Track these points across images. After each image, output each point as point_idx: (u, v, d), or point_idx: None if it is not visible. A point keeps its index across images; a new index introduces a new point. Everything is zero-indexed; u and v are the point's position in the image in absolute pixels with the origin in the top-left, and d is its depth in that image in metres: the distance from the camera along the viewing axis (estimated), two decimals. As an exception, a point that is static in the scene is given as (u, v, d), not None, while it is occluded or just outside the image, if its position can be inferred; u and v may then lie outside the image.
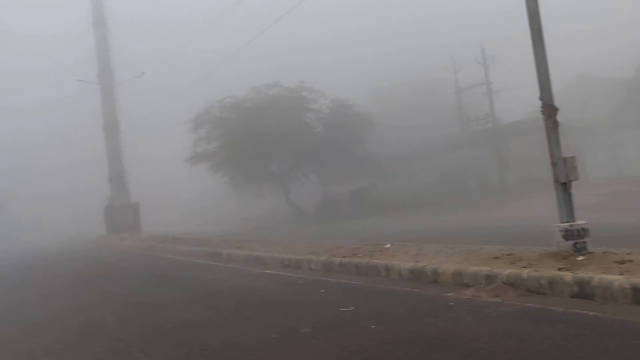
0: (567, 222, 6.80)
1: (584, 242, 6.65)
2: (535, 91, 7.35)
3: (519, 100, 33.47)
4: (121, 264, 17.19)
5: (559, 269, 5.99)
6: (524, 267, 6.39)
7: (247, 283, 9.45)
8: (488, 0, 47.94)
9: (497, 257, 7.14)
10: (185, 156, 39.03)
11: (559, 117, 7.18)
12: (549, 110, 7.13)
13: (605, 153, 37.02)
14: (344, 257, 9.57)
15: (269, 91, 37.02)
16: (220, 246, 15.81)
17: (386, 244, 10.36)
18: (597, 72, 43.41)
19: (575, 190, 7.19)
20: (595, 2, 50.00)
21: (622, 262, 5.86)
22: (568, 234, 6.64)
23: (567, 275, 5.69)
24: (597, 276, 5.43)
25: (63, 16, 65.37)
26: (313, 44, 56.88)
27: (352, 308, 6.29)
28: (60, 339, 6.73)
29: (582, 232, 6.66)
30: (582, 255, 6.47)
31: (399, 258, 8.47)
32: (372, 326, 5.37)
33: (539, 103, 7.27)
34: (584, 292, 5.46)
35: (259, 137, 34.26)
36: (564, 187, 6.98)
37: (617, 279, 5.25)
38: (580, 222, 6.79)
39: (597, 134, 36.57)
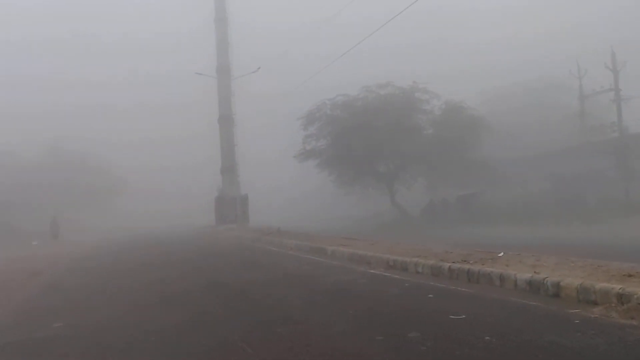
0: None
1: None
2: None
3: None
4: (225, 254, 17.60)
5: None
6: (663, 288, 5.67)
7: (351, 281, 9.24)
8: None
9: (630, 275, 6.40)
10: (295, 153, 39.70)
11: None
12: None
13: None
14: (453, 262, 9.10)
15: (381, 91, 36.74)
16: (325, 242, 15.74)
17: (499, 253, 9.76)
18: None
19: None
20: None
21: None
22: None
23: None
24: None
25: (184, 18, 68.71)
26: (418, 49, 56.16)
27: (463, 316, 5.88)
28: (169, 323, 6.88)
29: None
30: None
31: (514, 268, 7.89)
32: (487, 337, 4.96)
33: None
34: None
35: (368, 136, 34.05)
36: None
37: None
38: None
39: None
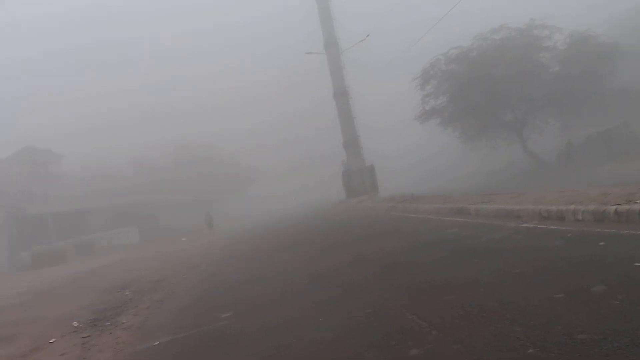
0: None
1: None
2: None
3: None
4: (364, 225, 17.59)
5: None
6: None
7: (504, 239, 8.74)
8: None
9: None
10: (415, 114, 38.92)
11: None
12: None
13: None
14: (618, 204, 8.29)
15: (496, 36, 34.81)
16: (464, 202, 15.18)
17: (670, 187, 8.77)
18: None
19: None
20: None
21: None
22: None
23: None
24: None
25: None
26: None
27: (651, 263, 5.27)
28: (328, 300, 6.88)
29: None
30: None
31: (696, 201, 7.02)
32: (689, 283, 4.38)
33: None
34: None
35: (488, 85, 32.49)
36: None
37: None
38: None
39: None
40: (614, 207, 8.19)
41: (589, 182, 17.29)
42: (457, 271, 6.86)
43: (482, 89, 32.80)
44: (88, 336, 8.05)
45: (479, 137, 38.18)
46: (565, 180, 22.07)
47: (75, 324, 9.11)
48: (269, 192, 79.62)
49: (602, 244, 6.73)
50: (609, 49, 32.61)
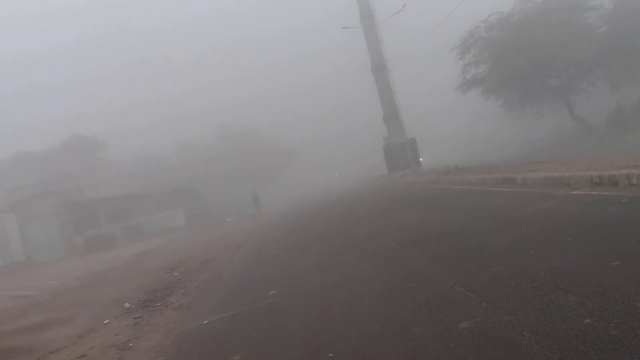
0: None
1: None
2: None
3: None
4: (413, 198, 17.41)
5: None
6: None
7: (554, 207, 8.45)
8: None
9: None
10: (456, 84, 38.11)
11: None
12: None
13: None
14: (675, 166, 7.91)
15: (537, -1, 33.57)
16: (510, 171, 14.80)
17: None
18: None
19: None
20: None
21: None
22: None
23: None
24: None
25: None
26: None
27: None
28: (375, 274, 6.81)
29: None
30: None
31: None
32: None
33: None
34: None
35: (532, 50, 31.36)
36: None
37: None
38: None
39: None
40: (671, 169, 7.82)
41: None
42: (506, 241, 6.66)
43: (525, 54, 31.69)
44: (140, 317, 8.24)
45: (523, 104, 37.09)
46: (616, 145, 21.30)
47: (127, 305, 9.34)
48: (311, 171, 79.91)
49: (659, 208, 6.43)
50: (660, 3, 31.04)
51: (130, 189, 48.05)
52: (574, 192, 9.48)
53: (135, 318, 8.18)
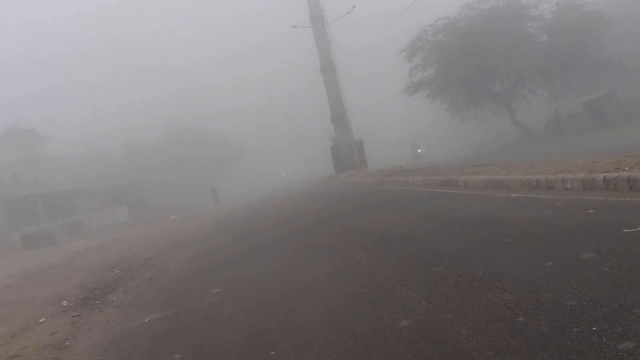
0: None
1: None
2: None
3: None
4: (353, 199, 17.56)
5: None
6: None
7: (495, 209, 8.73)
8: None
9: None
10: (403, 87, 38.68)
11: None
12: None
13: None
14: (607, 172, 8.29)
15: (483, 6, 34.47)
16: (454, 173, 15.17)
17: (656, 154, 8.77)
18: None
19: None
20: None
21: None
22: None
23: None
24: None
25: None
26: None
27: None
28: (319, 273, 6.87)
29: None
30: None
31: (684, 167, 7.02)
32: (678, 248, 4.37)
33: None
34: None
35: (477, 56, 32.26)
36: None
37: None
38: None
39: None
40: (603, 174, 8.19)
41: (577, 151, 17.30)
42: (447, 242, 6.84)
43: (470, 59, 32.55)
44: (78, 315, 8.02)
45: (467, 108, 38.01)
46: (554, 150, 22.10)
47: (65, 303, 9.08)
48: (259, 170, 79.51)
49: (591, 211, 6.73)
50: (596, 17, 32.42)
51: (72, 184, 46.59)
52: (512, 194, 9.81)
53: (73, 317, 7.96)
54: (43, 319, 8.03)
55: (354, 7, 36.86)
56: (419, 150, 39.00)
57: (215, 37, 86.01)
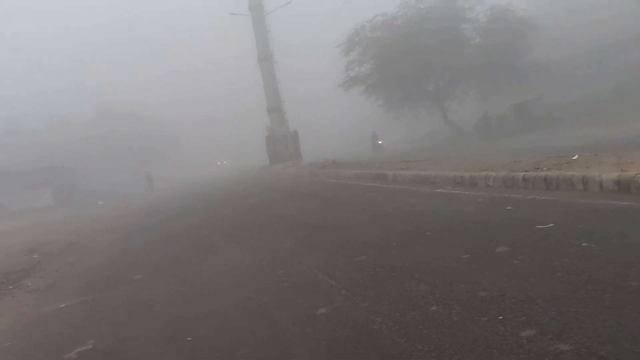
0: None
1: None
2: None
3: None
4: (290, 189, 17.58)
5: None
6: None
7: (420, 203, 8.95)
8: None
9: None
10: (339, 81, 38.88)
11: None
12: None
13: None
14: (526, 171, 8.65)
15: (421, 5, 35.19)
16: (384, 168, 15.44)
17: (573, 156, 9.20)
18: None
19: None
20: None
21: None
22: None
23: None
24: None
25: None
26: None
27: (551, 225, 5.51)
28: (243, 260, 6.83)
29: None
30: None
31: (596, 169, 7.38)
32: (584, 244, 4.59)
33: None
34: None
35: (413, 54, 32.87)
36: None
37: None
38: None
39: None
40: (522, 173, 8.54)
41: (503, 151, 17.93)
42: (372, 233, 6.94)
43: (406, 57, 33.13)
44: (-13, 300, 7.64)
45: (402, 106, 38.67)
46: (482, 149, 22.83)
47: (-26, 288, 8.61)
48: (196, 157, 78.20)
49: (509, 208, 7.00)
50: (526, 24, 33.69)
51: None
52: (438, 190, 10.09)
53: (-17, 302, 7.57)
54: (-51, 304, 7.60)
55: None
56: (380, 142, 39.09)
57: (155, 26, 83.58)
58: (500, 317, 3.35)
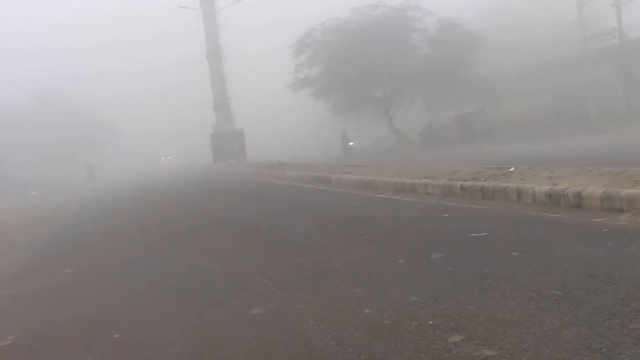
0: None
1: None
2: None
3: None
4: (228, 191, 17.39)
5: None
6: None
7: (360, 207, 9.04)
8: None
9: (654, 180, 6.17)
10: (287, 82, 38.84)
11: None
12: None
13: None
14: (464, 180, 8.87)
15: (373, 12, 35.55)
16: (328, 171, 15.52)
17: (510, 168, 9.52)
18: None
19: None
20: None
21: None
22: None
23: None
24: None
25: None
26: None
27: (485, 233, 5.67)
28: (181, 259, 6.71)
29: None
30: None
31: (530, 181, 7.66)
32: (514, 253, 4.75)
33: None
34: None
35: (362, 60, 33.19)
36: None
37: None
38: None
39: None
40: (461, 182, 8.75)
41: (444, 160, 18.34)
42: (312, 235, 6.97)
43: (355, 63, 33.42)
44: None
45: (349, 110, 38.92)
46: (425, 157, 23.29)
47: None
48: (138, 150, 76.27)
49: (446, 215, 7.16)
50: (473, 37, 34.58)
51: None
52: (379, 195, 10.22)
53: None
54: None
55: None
56: (351, 144, 38.86)
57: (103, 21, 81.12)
58: (430, 322, 3.40)
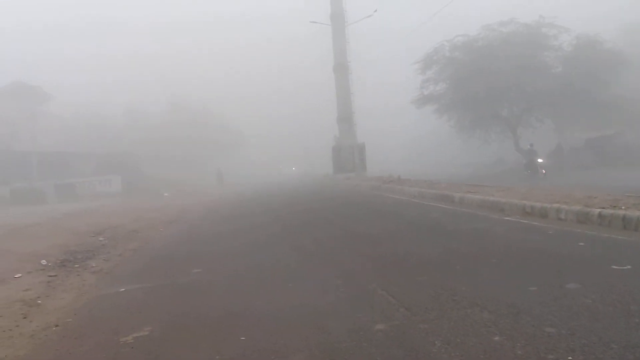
0: None
1: None
2: None
3: None
4: (349, 203, 17.51)
5: None
6: None
7: (487, 229, 8.68)
8: None
9: None
10: (412, 98, 38.53)
11: None
12: None
13: None
14: (602, 208, 8.25)
15: (503, 29, 34.36)
16: (450, 189, 15.13)
17: (655, 197, 8.74)
18: None
19: None
20: None
21: None
22: None
23: None
24: None
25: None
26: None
27: (629, 267, 5.22)
28: (304, 266, 6.81)
29: None
30: None
31: (680, 213, 6.98)
32: (664, 291, 4.32)
33: None
34: None
35: (490, 77, 32.13)
36: None
37: None
38: None
39: None
40: (598, 210, 8.15)
41: (579, 184, 17.23)
42: (434, 254, 6.80)
43: (483, 80, 32.42)
44: (55, 275, 7.94)
45: (473, 128, 37.90)
46: (555, 181, 22.08)
47: (44, 262, 8.99)
48: (261, 159, 79.35)
49: (581, 244, 6.69)
50: (614, 56, 32.35)
51: (69, 146, 46.14)
52: (506, 217, 9.78)
53: (50, 276, 7.87)
54: (19, 275, 7.94)
55: (375, 10, 36.86)
56: (540, 160, 37.67)
57: (229, 26, 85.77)
58: (570, 358, 3.17)
